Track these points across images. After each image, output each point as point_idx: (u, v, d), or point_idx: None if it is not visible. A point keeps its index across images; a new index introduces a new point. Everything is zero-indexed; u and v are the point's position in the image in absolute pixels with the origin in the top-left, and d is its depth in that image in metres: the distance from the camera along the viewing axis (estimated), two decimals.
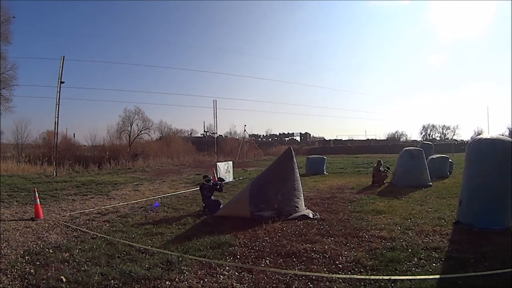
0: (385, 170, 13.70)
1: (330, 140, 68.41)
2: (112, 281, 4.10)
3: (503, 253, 4.82)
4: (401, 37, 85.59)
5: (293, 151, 8.33)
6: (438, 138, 67.47)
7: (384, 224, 6.76)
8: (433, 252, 4.99)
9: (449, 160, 16.19)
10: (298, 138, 70.66)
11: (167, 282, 4.06)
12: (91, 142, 36.56)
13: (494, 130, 60.32)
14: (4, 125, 33.94)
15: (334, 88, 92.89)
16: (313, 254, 5.07)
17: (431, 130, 70.99)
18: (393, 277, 4.12)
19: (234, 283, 4.06)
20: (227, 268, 4.56)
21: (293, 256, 4.99)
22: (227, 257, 4.99)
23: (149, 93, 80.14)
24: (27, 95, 56.31)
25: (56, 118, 20.36)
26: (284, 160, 8.20)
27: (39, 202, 8.22)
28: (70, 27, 61.47)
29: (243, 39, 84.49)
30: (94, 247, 5.51)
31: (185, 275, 4.29)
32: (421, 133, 70.44)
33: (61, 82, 20.38)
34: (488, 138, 6.62)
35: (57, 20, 60.53)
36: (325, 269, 4.52)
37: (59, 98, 20.32)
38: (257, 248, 5.42)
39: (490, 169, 6.23)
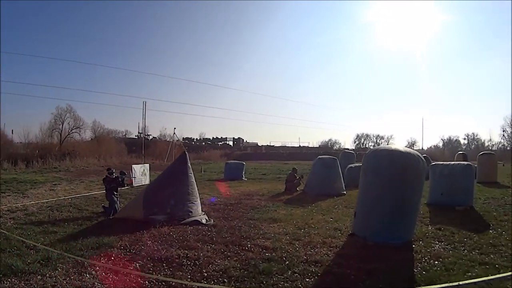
0: (298, 177, 14.03)
1: (262, 146, 70.30)
2: None
3: (394, 271, 4.63)
4: (346, 47, 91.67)
5: (187, 156, 8.74)
6: (371, 147, 72.65)
7: (275, 233, 6.76)
8: (312, 266, 4.88)
9: None
10: (231, 143, 71.47)
11: (38, 277, 4.46)
12: (24, 140, 37.47)
13: (429, 141, 67.18)
14: None
15: (270, 95, 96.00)
16: (184, 260, 5.16)
17: (364, 139, 75.45)
18: None
19: (96, 283, 4.31)
20: (98, 268, 4.81)
21: (164, 262, 5.11)
22: (102, 258, 5.25)
23: (86, 92, 77.14)
24: None
25: None
26: (178, 165, 8.58)
27: None
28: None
29: (178, 40, 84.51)
30: None
31: (57, 271, 4.64)
32: (355, 142, 74.74)
33: None
34: (384, 149, 6.85)
35: None
36: (189, 276, 4.55)
37: None
38: (133, 251, 5.66)
39: (386, 180, 6.11)
